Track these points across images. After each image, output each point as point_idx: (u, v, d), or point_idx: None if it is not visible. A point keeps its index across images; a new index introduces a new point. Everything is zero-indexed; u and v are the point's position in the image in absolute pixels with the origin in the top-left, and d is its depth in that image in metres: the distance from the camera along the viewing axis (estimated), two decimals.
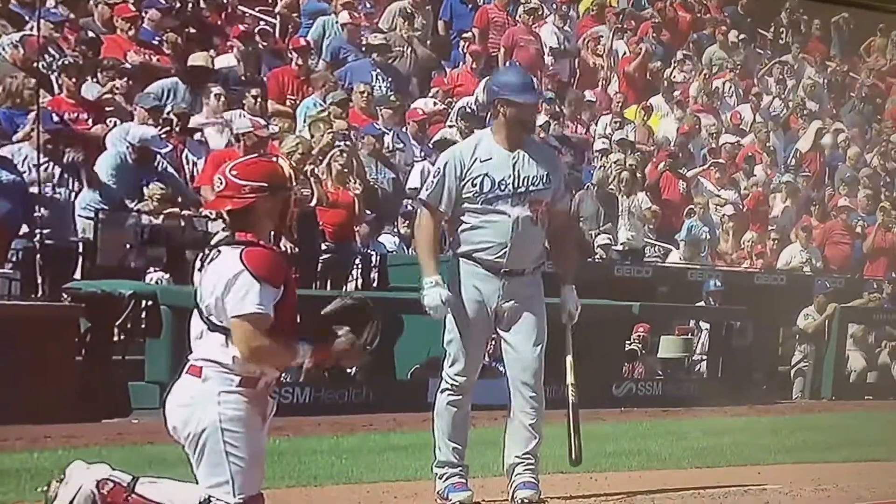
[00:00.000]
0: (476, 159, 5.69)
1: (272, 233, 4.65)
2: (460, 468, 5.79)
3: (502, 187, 5.68)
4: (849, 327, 13.59)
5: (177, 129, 10.62)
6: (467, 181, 5.67)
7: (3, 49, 10.60)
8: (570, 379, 5.87)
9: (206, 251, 4.53)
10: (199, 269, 4.51)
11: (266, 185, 4.48)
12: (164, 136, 10.38)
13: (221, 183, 4.51)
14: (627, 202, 13.26)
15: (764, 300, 12.86)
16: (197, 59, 11.68)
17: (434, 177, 5.75)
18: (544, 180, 5.75)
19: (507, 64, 6.48)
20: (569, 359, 5.89)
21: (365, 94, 12.48)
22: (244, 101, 11.42)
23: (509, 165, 5.70)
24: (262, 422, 4.49)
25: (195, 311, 4.47)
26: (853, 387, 13.50)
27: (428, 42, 14.52)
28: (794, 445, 8.54)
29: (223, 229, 4.58)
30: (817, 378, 13.25)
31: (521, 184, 5.70)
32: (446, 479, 5.77)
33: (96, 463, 4.57)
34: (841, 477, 6.86)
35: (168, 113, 10.63)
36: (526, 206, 5.71)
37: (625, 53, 16.20)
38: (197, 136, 10.94)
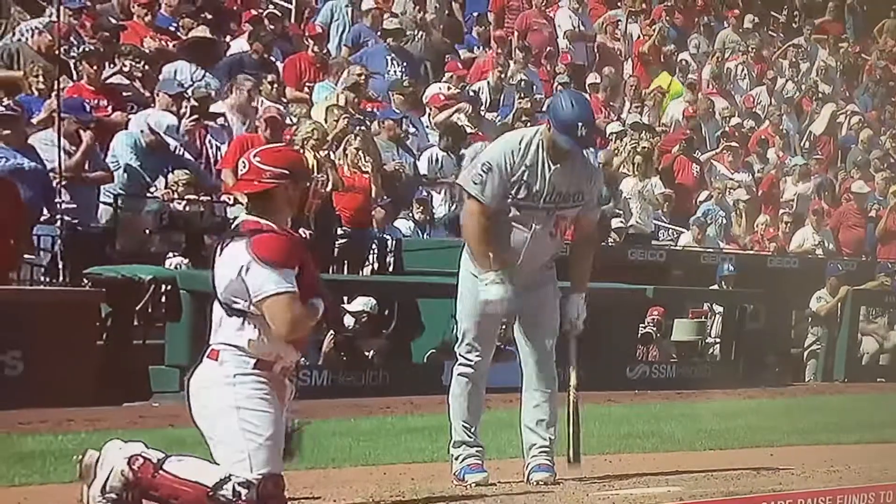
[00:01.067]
0: (523, 162, 5.64)
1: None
2: (476, 449, 5.85)
3: (535, 199, 5.66)
4: (861, 310, 13.61)
5: (197, 114, 10.67)
6: (509, 181, 5.63)
7: (22, 34, 10.65)
8: (573, 381, 5.90)
9: (223, 241, 4.61)
10: (217, 257, 4.58)
11: (288, 172, 4.53)
12: (191, 123, 10.43)
13: (245, 167, 4.58)
14: (640, 186, 13.27)
15: (777, 283, 12.88)
16: (198, 31, 11.69)
17: (483, 171, 5.63)
18: (576, 198, 5.73)
19: (571, 94, 5.94)
20: (572, 370, 5.88)
21: (363, 77, 12.34)
22: (261, 88, 11.48)
23: (547, 179, 5.65)
24: (280, 403, 4.56)
25: (216, 299, 4.56)
26: (866, 369, 13.52)
27: (441, 26, 14.56)
28: (806, 427, 8.57)
29: (247, 212, 4.64)
30: (830, 360, 13.26)
31: (552, 200, 5.67)
32: (462, 459, 5.83)
33: (132, 442, 4.66)
34: (854, 458, 6.89)
35: (190, 98, 10.69)
36: (551, 221, 5.69)
37: (639, 36, 16.23)
38: (220, 120, 11.01)
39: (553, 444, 5.88)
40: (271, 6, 13.37)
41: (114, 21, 11.52)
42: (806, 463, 6.69)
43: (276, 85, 11.57)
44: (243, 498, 4.44)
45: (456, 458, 5.87)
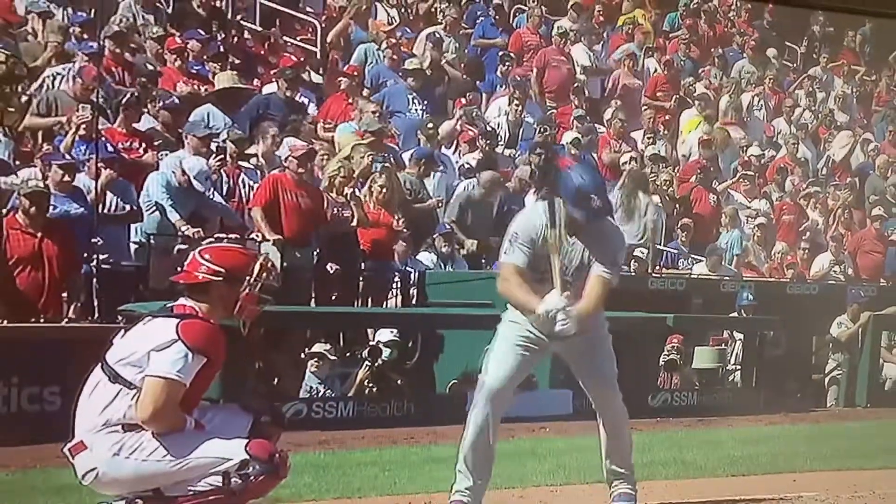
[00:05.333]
0: (542, 235, 5.68)
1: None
2: (468, 491, 5.85)
3: (552, 271, 5.69)
4: (883, 335, 13.63)
5: (233, 155, 10.86)
6: (535, 248, 5.70)
7: (54, 79, 10.90)
8: None
9: (150, 316, 4.75)
10: (134, 328, 4.74)
11: (223, 271, 4.69)
12: (218, 164, 10.65)
13: (189, 258, 4.80)
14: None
15: (797, 309, 12.91)
16: (222, 80, 11.85)
17: (510, 241, 5.73)
18: (589, 265, 5.74)
19: (578, 168, 6.32)
20: None
21: (377, 115, 12.35)
22: (292, 128, 11.73)
23: (565, 253, 5.70)
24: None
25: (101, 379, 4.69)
26: (888, 395, 13.49)
27: (462, 65, 14.81)
28: (829, 453, 8.60)
29: (185, 298, 4.77)
30: (852, 386, 13.23)
31: (571, 274, 5.71)
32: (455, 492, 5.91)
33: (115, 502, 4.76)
34: (878, 483, 6.94)
35: (224, 141, 10.90)
36: (577, 284, 5.71)
37: (655, 70, 16.43)
38: (253, 160, 11.25)
39: (629, 472, 6.04)
40: (297, 49, 13.62)
41: (150, 67, 11.78)
42: (830, 489, 6.76)
43: (305, 125, 11.80)
44: (255, 472, 4.57)
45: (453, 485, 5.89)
